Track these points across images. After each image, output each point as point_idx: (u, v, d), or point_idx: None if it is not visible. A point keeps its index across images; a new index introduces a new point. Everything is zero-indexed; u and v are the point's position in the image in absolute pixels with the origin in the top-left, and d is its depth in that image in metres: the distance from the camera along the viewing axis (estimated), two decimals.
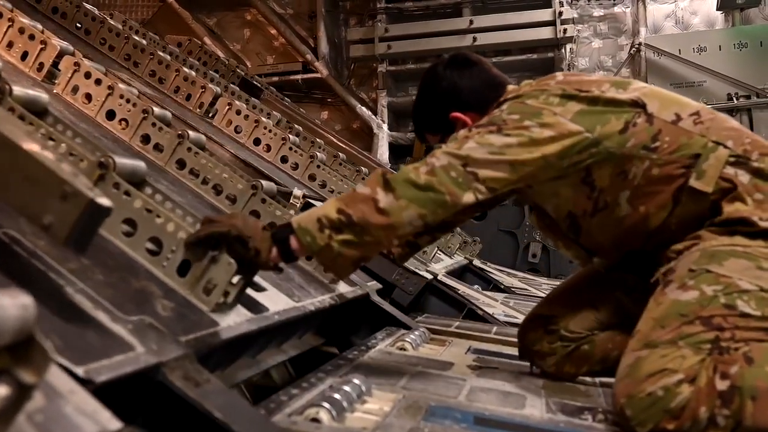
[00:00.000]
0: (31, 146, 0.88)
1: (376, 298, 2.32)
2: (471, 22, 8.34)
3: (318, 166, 3.45)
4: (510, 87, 1.78)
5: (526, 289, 4.64)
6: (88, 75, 2.29)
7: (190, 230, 1.30)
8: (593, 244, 1.75)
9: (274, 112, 4.32)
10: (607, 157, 1.58)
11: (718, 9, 7.91)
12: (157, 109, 2.24)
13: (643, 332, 1.44)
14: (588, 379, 1.78)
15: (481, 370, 1.78)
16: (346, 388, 1.29)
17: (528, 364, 1.85)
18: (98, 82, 2.29)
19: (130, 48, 3.66)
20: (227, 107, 3.54)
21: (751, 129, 7.27)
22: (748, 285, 1.41)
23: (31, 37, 2.38)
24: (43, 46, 2.37)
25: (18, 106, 1.36)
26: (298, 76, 9.16)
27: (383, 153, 8.69)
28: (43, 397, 0.62)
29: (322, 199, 2.91)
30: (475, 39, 8.28)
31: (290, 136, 3.54)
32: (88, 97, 2.29)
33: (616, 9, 8.54)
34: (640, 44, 8.12)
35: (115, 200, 1.30)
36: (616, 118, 1.59)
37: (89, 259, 1.14)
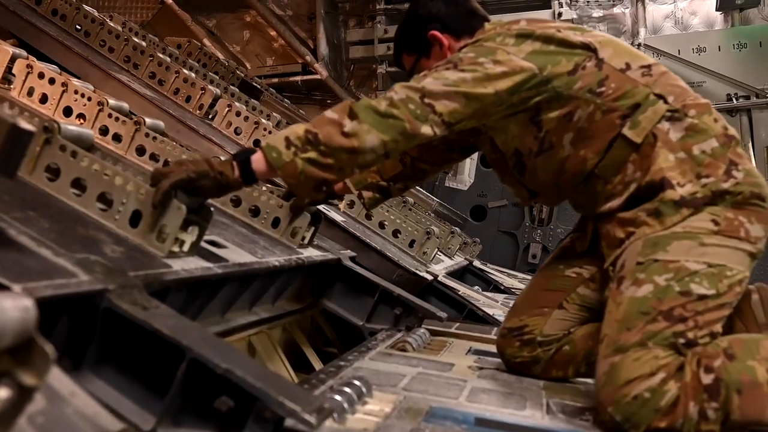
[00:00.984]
0: None
1: (349, 263, 2.35)
2: None
3: None
4: (486, 25, 1.83)
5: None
6: (41, 75, 2.35)
7: (140, 183, 1.34)
8: (535, 184, 1.78)
9: (273, 114, 4.31)
10: (555, 96, 1.62)
11: (717, 9, 7.90)
12: (112, 101, 2.30)
13: (610, 336, 1.46)
14: (588, 380, 1.78)
15: (481, 371, 1.78)
16: (347, 389, 1.29)
17: None
18: (52, 81, 2.34)
19: (130, 50, 3.67)
20: (227, 109, 3.53)
21: (751, 129, 7.29)
22: (696, 265, 1.45)
23: None
24: None
25: None
26: (298, 78, 9.16)
27: None
28: (44, 400, 0.62)
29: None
30: None
31: None
32: (44, 97, 2.35)
33: (616, 10, 8.54)
34: (639, 45, 8.11)
35: (62, 162, 1.38)
36: (566, 59, 1.63)
37: (36, 212, 1.19)
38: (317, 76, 9.08)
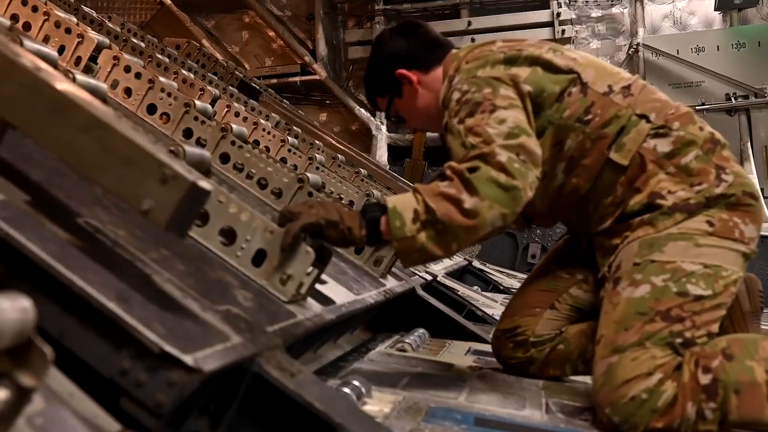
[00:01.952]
0: (126, 128, 0.84)
1: (422, 293, 2.35)
2: (469, 23, 8.35)
3: (317, 168, 3.45)
4: (453, 51, 1.81)
5: None
6: (127, 69, 2.23)
7: (267, 222, 1.27)
8: (532, 212, 1.77)
9: (272, 114, 4.31)
10: (546, 126, 1.62)
11: (716, 9, 7.92)
12: (199, 103, 2.18)
13: (607, 337, 1.46)
14: (587, 380, 1.78)
15: (480, 371, 1.78)
16: (346, 389, 1.29)
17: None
18: (138, 75, 2.22)
19: (129, 50, 3.66)
20: (226, 109, 3.53)
21: (750, 129, 7.30)
22: (692, 266, 1.46)
23: (68, 30, 2.28)
24: (80, 39, 2.27)
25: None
26: (297, 78, 9.17)
27: (382, 155, 8.69)
28: (43, 401, 0.62)
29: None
30: (473, 40, 8.29)
31: (289, 138, 3.53)
32: (128, 91, 2.22)
33: (614, 10, 8.55)
34: (638, 45, 8.12)
35: None
36: (553, 84, 1.63)
37: (167, 249, 1.13)
38: (316, 77, 9.09)
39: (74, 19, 2.40)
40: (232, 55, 9.42)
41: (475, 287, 4.09)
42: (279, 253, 1.26)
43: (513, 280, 5.18)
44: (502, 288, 4.47)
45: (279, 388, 0.98)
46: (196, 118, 2.12)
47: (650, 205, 1.54)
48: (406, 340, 1.98)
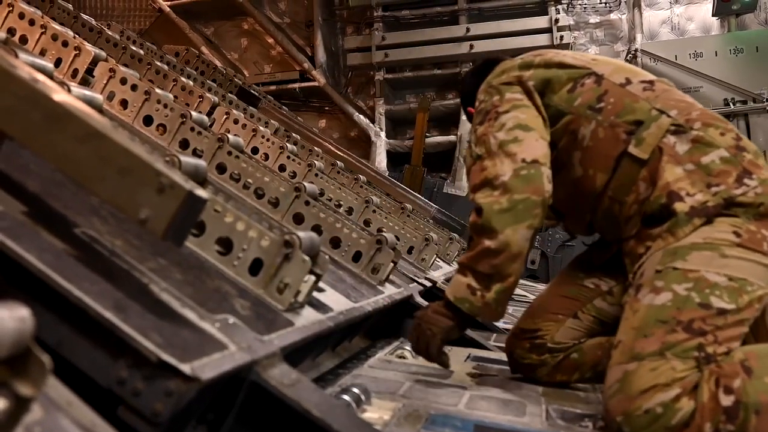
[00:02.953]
0: (123, 138, 0.84)
1: (419, 300, 2.34)
2: (468, 29, 8.38)
3: (316, 175, 3.45)
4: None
5: (524, 296, 4.63)
6: (123, 81, 2.24)
7: (262, 230, 1.27)
8: (559, 203, 1.76)
9: (271, 121, 4.32)
10: (557, 114, 1.69)
11: (713, 15, 7.95)
12: (195, 113, 2.19)
13: (625, 343, 1.42)
14: (588, 385, 1.77)
15: (480, 378, 1.77)
16: (346, 397, 1.29)
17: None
18: (134, 87, 2.23)
19: (128, 58, 3.67)
20: (225, 116, 3.54)
21: (748, 134, 7.31)
22: (717, 277, 1.40)
23: (65, 43, 2.32)
24: (77, 52, 2.31)
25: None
26: (296, 85, 9.20)
27: (381, 161, 8.70)
28: (42, 410, 0.62)
29: None
30: (471, 46, 8.32)
31: (288, 144, 3.54)
32: (124, 103, 2.24)
33: (612, 16, 8.58)
34: (636, 50, 8.14)
35: None
36: (566, 75, 1.72)
37: (164, 258, 1.14)
38: (315, 83, 9.11)
39: (71, 32, 2.42)
40: (231, 62, 9.45)
41: None
42: (274, 261, 1.27)
43: None
44: None
45: (277, 396, 0.98)
46: (192, 129, 2.13)
47: (669, 208, 1.49)
48: (406, 347, 1.97)
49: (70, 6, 3.82)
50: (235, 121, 3.52)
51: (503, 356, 2.11)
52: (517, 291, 4.84)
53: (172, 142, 2.12)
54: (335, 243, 2.05)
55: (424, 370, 1.79)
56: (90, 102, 1.32)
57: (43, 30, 2.31)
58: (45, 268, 0.81)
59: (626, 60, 8.26)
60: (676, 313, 1.38)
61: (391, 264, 2.07)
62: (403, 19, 8.90)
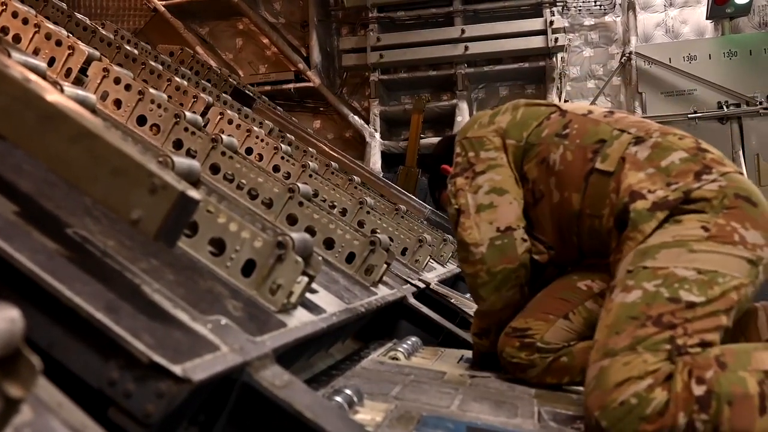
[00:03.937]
0: (115, 138, 0.84)
1: (413, 301, 2.36)
2: (463, 31, 8.38)
3: (310, 176, 3.45)
4: None
5: None
6: (117, 80, 2.23)
7: (256, 231, 1.27)
8: (544, 234, 1.88)
9: (266, 122, 4.31)
10: (528, 147, 1.86)
11: (707, 18, 7.97)
12: (189, 114, 2.19)
13: (600, 341, 1.47)
14: (580, 388, 1.78)
15: (473, 380, 1.78)
16: (338, 398, 1.29)
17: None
18: (128, 87, 2.22)
19: (122, 57, 3.66)
20: (219, 117, 3.53)
21: (741, 137, 7.34)
22: (685, 272, 1.45)
23: (58, 42, 2.30)
24: (71, 51, 2.29)
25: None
26: (291, 85, 9.18)
27: (376, 162, 8.70)
28: (31, 411, 0.62)
29: None
30: (466, 48, 8.33)
31: (282, 145, 3.54)
32: (118, 103, 2.22)
33: (607, 18, 8.60)
34: (630, 53, 8.17)
35: None
36: (531, 118, 1.91)
37: (156, 259, 1.13)
38: (310, 84, 9.10)
39: (65, 32, 2.40)
40: (225, 62, 9.43)
41: (468, 294, 4.08)
42: (267, 261, 1.26)
43: None
44: None
45: (269, 397, 0.98)
46: (186, 129, 2.12)
47: (630, 206, 1.59)
48: (399, 349, 1.97)
49: (64, 5, 3.80)
50: (230, 122, 3.52)
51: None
52: None
53: (165, 143, 2.11)
54: (329, 244, 2.05)
55: (416, 371, 1.79)
56: (83, 102, 1.31)
57: (37, 29, 2.30)
58: (36, 268, 0.81)
59: (620, 63, 8.30)
60: (645, 308, 1.43)
61: (385, 265, 2.07)
62: (398, 21, 8.90)
